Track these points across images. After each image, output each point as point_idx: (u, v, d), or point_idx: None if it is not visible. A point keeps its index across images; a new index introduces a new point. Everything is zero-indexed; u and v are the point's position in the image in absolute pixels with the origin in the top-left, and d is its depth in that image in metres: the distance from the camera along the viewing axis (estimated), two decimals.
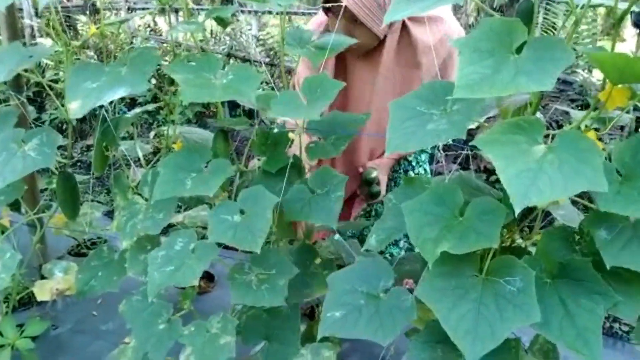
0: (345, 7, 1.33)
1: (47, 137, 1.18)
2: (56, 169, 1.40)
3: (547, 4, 4.53)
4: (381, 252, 1.31)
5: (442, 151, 1.10)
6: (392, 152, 0.83)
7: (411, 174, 1.73)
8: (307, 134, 1.29)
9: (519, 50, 0.70)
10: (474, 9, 4.68)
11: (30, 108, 1.51)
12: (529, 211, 0.87)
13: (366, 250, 0.98)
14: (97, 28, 1.19)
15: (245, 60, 4.64)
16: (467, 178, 1.00)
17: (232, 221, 1.00)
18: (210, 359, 1.02)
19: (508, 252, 0.81)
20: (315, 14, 1.86)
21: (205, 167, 1.07)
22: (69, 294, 1.44)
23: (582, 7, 0.78)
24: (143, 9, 6.48)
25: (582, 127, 0.81)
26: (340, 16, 1.26)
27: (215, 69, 1.00)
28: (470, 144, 0.71)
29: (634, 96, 0.77)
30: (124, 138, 1.43)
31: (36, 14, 5.12)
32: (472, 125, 0.81)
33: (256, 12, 5.49)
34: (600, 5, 0.90)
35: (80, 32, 5.75)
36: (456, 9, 4.35)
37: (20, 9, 5.02)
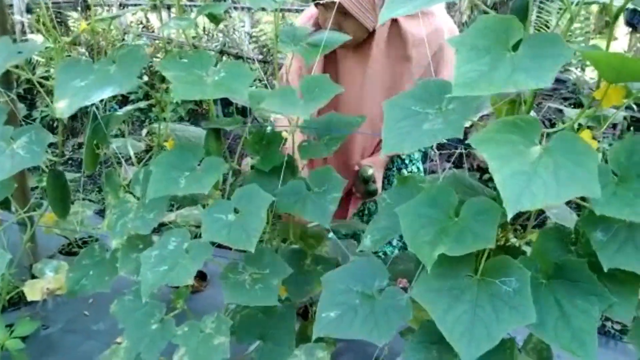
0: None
1: (36, 135, 1.16)
2: (47, 167, 1.38)
3: (541, 2, 4.55)
4: (374, 251, 1.30)
5: (435, 150, 1.10)
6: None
7: (404, 172, 1.73)
8: (300, 133, 1.28)
9: (515, 47, 0.70)
10: (468, 6, 4.68)
11: (21, 105, 1.49)
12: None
13: (360, 251, 0.98)
14: (88, 24, 1.17)
15: (238, 57, 4.62)
16: (460, 177, 0.99)
17: (226, 220, 0.99)
18: None
19: (502, 252, 0.80)
20: None
21: (198, 165, 1.06)
22: (60, 294, 1.43)
23: (576, 4, 0.78)
24: (135, 5, 6.43)
25: (576, 125, 0.80)
26: (330, 9, 1.25)
27: (207, 66, 0.99)
28: (466, 142, 0.71)
29: (630, 94, 0.77)
30: (116, 136, 1.42)
31: (27, 10, 5.07)
32: (466, 124, 0.80)
33: (249, 8, 5.47)
34: (595, 2, 0.90)
35: (71, 28, 5.70)
36: (450, 7, 4.35)
37: (11, 5, 4.97)
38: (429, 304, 0.75)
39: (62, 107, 0.99)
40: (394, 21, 1.50)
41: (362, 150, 1.67)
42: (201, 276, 2.01)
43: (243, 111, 1.24)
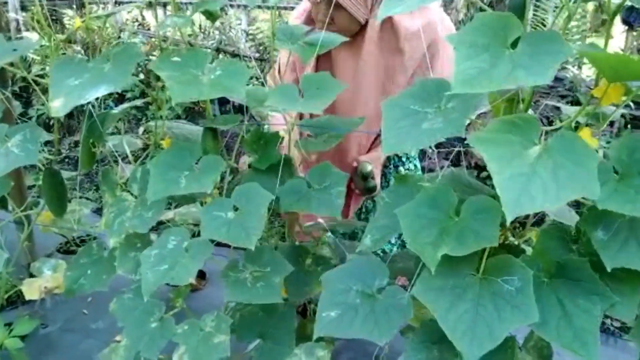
0: None
1: (30, 133, 1.16)
2: (43, 165, 1.37)
3: (537, 0, 4.55)
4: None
5: (433, 147, 1.10)
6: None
7: (401, 169, 1.73)
8: (299, 132, 1.28)
9: (513, 45, 0.70)
10: (464, 4, 4.68)
11: (16, 103, 1.48)
12: None
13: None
14: (83, 22, 1.17)
15: (234, 55, 4.60)
16: (459, 175, 0.99)
17: (225, 218, 0.99)
18: (204, 358, 1.01)
19: (502, 250, 0.80)
20: None
21: (196, 164, 1.06)
22: (58, 292, 1.42)
23: (574, 2, 0.78)
24: (130, 2, 6.39)
25: (574, 124, 0.80)
26: (322, 1, 1.24)
27: (202, 64, 0.97)
28: (465, 141, 0.70)
29: (629, 92, 0.77)
30: (113, 134, 1.41)
31: (22, 7, 5.04)
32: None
33: (245, 6, 5.45)
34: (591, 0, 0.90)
35: (66, 26, 5.67)
36: (446, 5, 4.35)
37: (5, 3, 4.94)
38: (431, 302, 0.75)
39: (57, 106, 0.98)
40: None
41: (359, 147, 1.66)
42: (200, 275, 2.01)
43: (240, 109, 1.24)
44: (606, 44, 0.76)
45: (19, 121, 1.36)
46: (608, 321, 2.23)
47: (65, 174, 1.43)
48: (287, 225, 1.37)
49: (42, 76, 1.30)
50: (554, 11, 4.40)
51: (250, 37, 5.13)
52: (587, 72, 4.10)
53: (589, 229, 0.74)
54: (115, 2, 6.55)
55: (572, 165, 0.64)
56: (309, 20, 1.58)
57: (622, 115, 3.15)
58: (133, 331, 1.11)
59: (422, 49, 1.50)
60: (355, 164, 1.59)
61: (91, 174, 3.58)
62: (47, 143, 1.18)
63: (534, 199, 0.62)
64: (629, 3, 0.76)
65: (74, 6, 5.56)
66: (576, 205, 0.87)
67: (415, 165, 1.77)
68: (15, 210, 1.44)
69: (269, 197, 1.00)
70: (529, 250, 0.89)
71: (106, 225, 1.18)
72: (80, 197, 2.25)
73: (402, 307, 0.84)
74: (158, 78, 1.18)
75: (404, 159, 1.73)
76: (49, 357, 1.61)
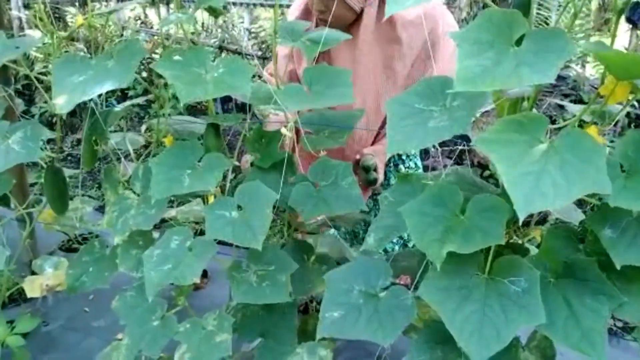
0: None
1: (31, 130, 1.16)
2: (45, 163, 1.37)
3: None
4: None
5: (437, 146, 1.09)
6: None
7: (402, 167, 1.73)
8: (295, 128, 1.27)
9: (518, 42, 0.69)
10: (467, 3, 4.66)
11: (19, 101, 1.48)
12: None
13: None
14: (85, 19, 1.16)
15: (237, 53, 4.60)
16: (463, 174, 0.98)
17: (229, 217, 0.98)
18: (206, 357, 1.00)
19: (507, 250, 0.80)
20: None
21: (199, 162, 1.05)
22: (60, 290, 1.42)
23: None
24: None
25: (577, 123, 0.80)
26: None
27: (204, 63, 0.97)
28: (471, 143, 0.70)
29: (636, 91, 0.76)
30: (115, 131, 1.41)
31: (24, 5, 5.05)
32: None
33: (248, 4, 5.45)
34: None
35: (69, 24, 5.67)
36: (450, 3, 4.34)
37: (8, 0, 4.95)
38: (437, 303, 0.74)
39: (61, 103, 0.98)
40: (382, 2, 1.49)
41: (360, 139, 1.65)
42: (202, 273, 2.01)
43: (242, 107, 1.23)
44: (612, 42, 0.75)
45: (21, 119, 1.35)
46: (611, 321, 2.22)
47: (68, 172, 1.43)
48: (289, 223, 1.36)
49: (45, 74, 1.30)
50: (558, 10, 4.38)
51: (253, 35, 5.12)
52: (591, 70, 4.09)
53: (597, 228, 0.73)
54: (118, 0, 6.55)
55: (580, 162, 0.63)
56: (306, 13, 1.57)
57: (627, 115, 3.14)
58: (135, 329, 1.11)
59: (420, 38, 1.49)
60: (358, 157, 1.58)
61: (94, 171, 3.58)
62: (49, 141, 1.18)
63: (545, 196, 0.61)
64: (634, 0, 0.75)
65: (77, 4, 5.56)
66: (579, 204, 0.86)
67: (415, 164, 1.76)
68: (17, 207, 1.44)
69: (273, 196, 0.99)
70: (532, 250, 0.88)
71: (109, 224, 1.18)
72: (83, 195, 2.25)
73: (406, 308, 0.83)
74: (160, 75, 1.18)
75: (404, 157, 1.73)
76: (51, 355, 1.61)
